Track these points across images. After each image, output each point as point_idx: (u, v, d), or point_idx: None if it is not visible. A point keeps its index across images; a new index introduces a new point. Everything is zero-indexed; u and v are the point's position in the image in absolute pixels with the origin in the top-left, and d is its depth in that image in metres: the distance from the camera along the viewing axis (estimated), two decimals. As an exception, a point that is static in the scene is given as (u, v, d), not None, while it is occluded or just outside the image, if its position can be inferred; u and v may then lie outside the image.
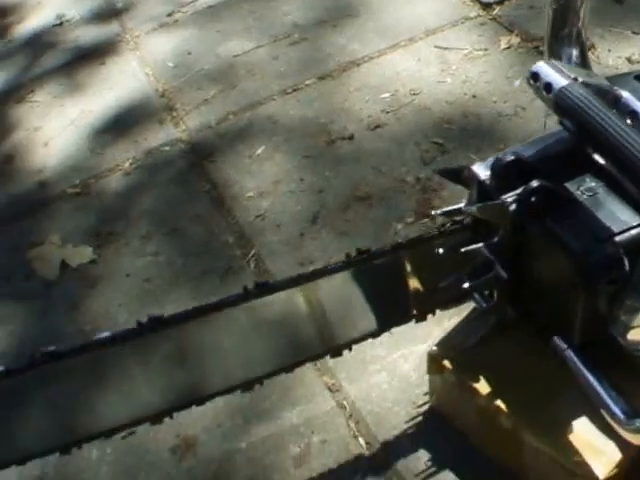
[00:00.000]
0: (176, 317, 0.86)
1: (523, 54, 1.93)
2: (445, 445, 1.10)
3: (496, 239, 0.61)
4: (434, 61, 1.95)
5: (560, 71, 0.59)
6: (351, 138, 1.73)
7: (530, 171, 0.57)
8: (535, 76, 0.62)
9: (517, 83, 1.82)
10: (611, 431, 0.71)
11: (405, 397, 1.20)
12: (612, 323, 0.56)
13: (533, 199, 0.54)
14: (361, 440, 1.17)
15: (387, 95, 1.85)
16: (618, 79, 0.63)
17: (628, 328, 0.55)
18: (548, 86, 0.59)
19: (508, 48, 1.96)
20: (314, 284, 0.82)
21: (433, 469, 1.08)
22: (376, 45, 2.04)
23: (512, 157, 0.59)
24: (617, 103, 0.57)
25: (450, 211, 0.74)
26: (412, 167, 1.62)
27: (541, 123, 1.67)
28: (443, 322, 1.10)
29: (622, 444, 0.74)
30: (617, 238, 0.51)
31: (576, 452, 0.77)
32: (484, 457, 1.04)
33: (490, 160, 0.63)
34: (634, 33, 1.88)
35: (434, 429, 1.13)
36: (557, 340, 0.68)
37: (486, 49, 1.97)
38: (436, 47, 2.00)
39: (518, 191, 0.56)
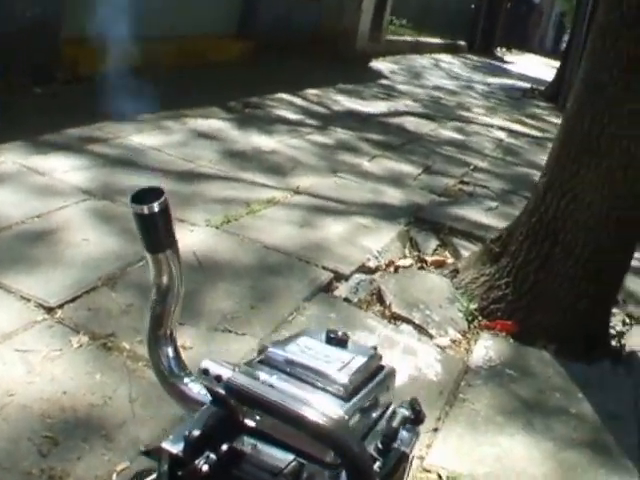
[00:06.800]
0: None
1: (94, 350, 2.41)
2: None
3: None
4: (18, 363, 2.28)
5: (222, 365, 0.78)
6: (-34, 440, 1.93)
7: (211, 438, 0.72)
8: (206, 371, 0.77)
9: (98, 377, 2.28)
10: None
11: None
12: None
13: (221, 458, 0.70)
14: None
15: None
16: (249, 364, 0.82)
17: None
18: (218, 377, 0.76)
19: (80, 347, 2.41)
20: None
21: None
22: (-41, 352, 2.28)
23: (199, 432, 0.72)
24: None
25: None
26: (33, 460, 1.90)
27: (129, 409, 2.15)
28: None
29: None
30: (285, 471, 0.72)
31: None
32: None
33: (176, 436, 0.74)
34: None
35: None
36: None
37: (61, 349, 2.38)
38: (16, 350, 2.34)
39: (206, 454, 0.71)
